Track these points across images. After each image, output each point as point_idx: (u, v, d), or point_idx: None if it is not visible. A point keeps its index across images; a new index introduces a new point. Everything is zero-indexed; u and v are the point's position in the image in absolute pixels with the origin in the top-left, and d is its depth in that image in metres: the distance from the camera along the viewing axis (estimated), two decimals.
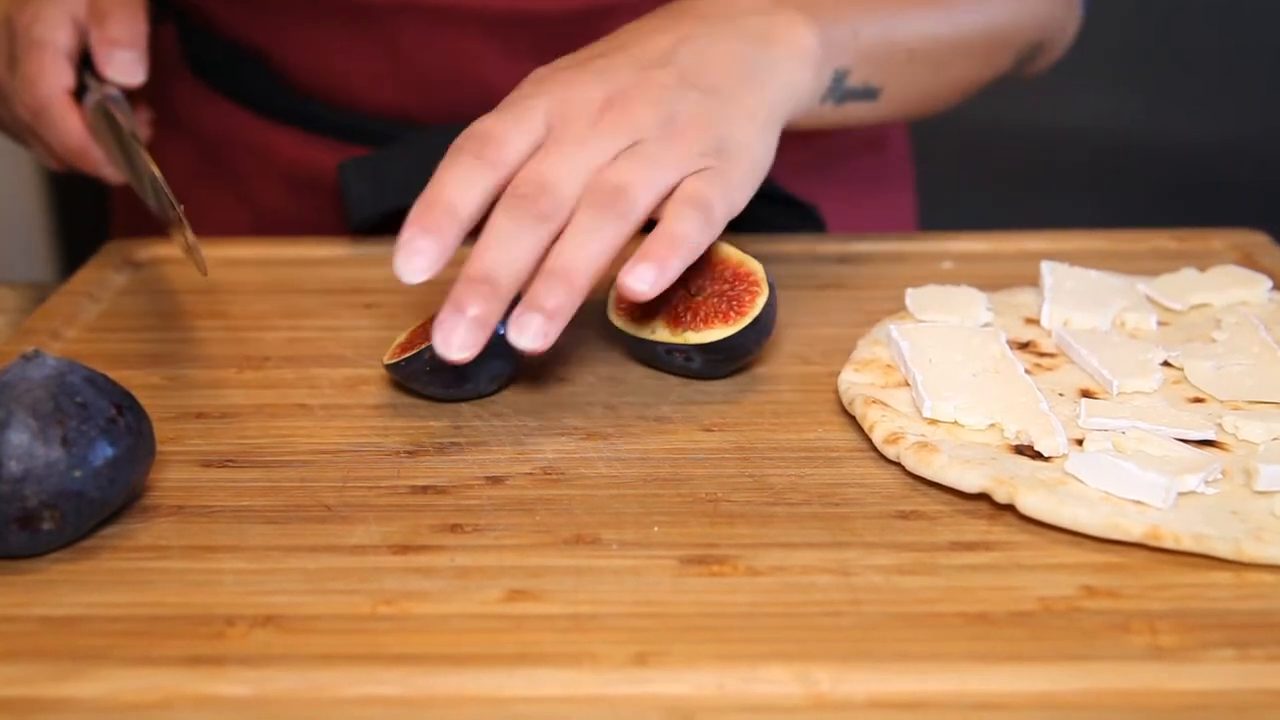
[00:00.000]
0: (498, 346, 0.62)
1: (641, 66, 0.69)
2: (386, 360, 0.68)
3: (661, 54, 0.70)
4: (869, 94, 0.82)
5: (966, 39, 0.86)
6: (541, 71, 0.71)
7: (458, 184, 0.64)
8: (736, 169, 0.68)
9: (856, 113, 0.82)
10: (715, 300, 0.69)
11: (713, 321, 0.68)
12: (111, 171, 0.84)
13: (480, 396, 0.69)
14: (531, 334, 0.61)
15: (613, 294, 0.72)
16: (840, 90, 0.79)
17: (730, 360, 0.70)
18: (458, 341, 0.61)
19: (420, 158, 0.90)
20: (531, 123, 0.67)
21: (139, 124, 0.88)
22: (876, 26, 0.80)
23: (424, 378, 0.67)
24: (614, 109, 0.67)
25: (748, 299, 0.68)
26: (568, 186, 0.65)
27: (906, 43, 0.82)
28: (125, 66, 0.83)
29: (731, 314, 0.68)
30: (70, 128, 0.82)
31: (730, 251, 0.70)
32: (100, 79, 0.83)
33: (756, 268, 0.69)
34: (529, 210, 0.63)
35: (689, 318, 0.69)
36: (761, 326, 0.68)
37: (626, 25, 0.74)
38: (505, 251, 0.63)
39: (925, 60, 0.84)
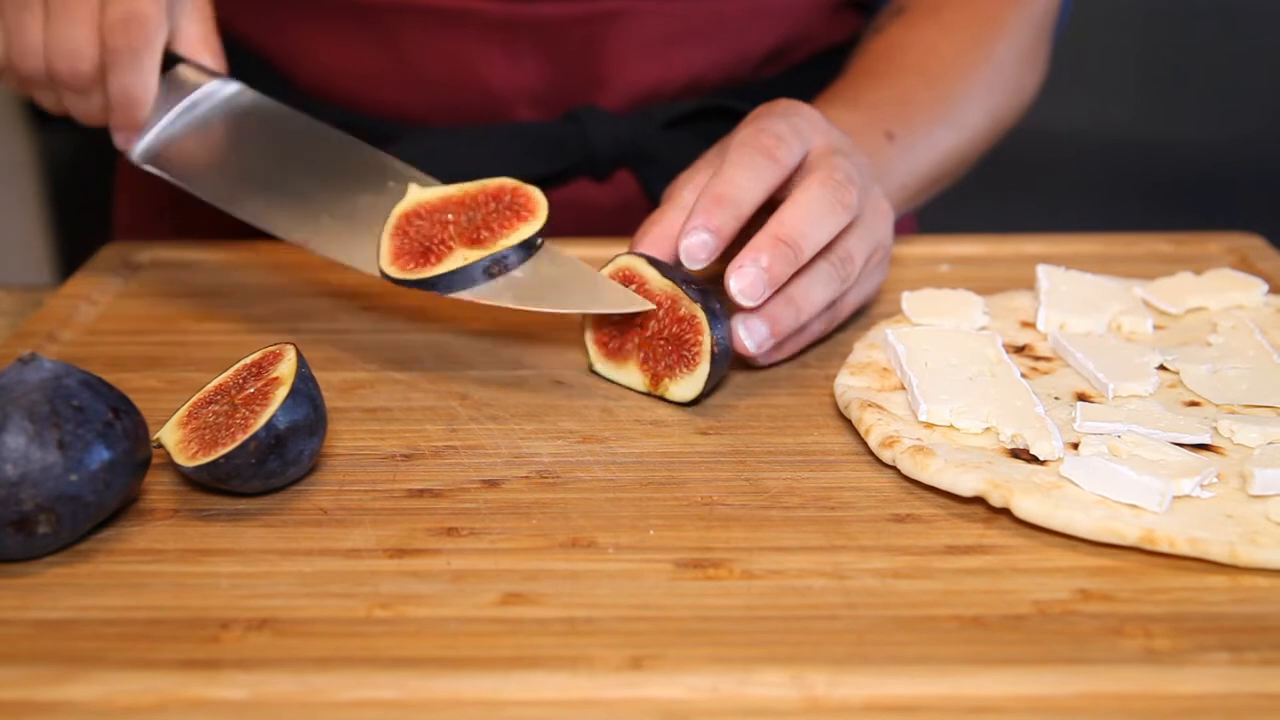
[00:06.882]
0: (316, 425, 0.61)
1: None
2: (188, 463, 0.60)
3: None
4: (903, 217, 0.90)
5: (976, 140, 0.92)
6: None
7: (746, 182, 0.69)
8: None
9: None
10: (670, 348, 0.69)
11: (680, 373, 0.68)
12: (126, 140, 0.79)
13: (297, 481, 0.62)
14: (756, 342, 0.69)
15: (589, 340, 0.72)
16: None
17: (707, 396, 0.70)
18: (753, 290, 0.67)
19: (419, 159, 0.90)
20: (804, 137, 0.71)
21: None
22: (918, 166, 0.87)
23: (247, 471, 0.59)
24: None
25: (691, 337, 0.68)
26: (859, 194, 0.71)
27: (935, 172, 0.89)
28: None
29: (690, 362, 0.68)
30: (149, 78, 0.76)
31: (666, 285, 0.69)
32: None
33: (697, 310, 0.68)
34: (841, 198, 0.69)
35: (661, 367, 0.69)
36: (718, 370, 0.68)
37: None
38: (816, 226, 0.68)
39: (947, 177, 0.92)
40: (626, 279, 0.70)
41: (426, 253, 0.70)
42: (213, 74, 0.80)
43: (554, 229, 0.94)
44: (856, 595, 0.54)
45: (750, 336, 0.69)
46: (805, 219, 0.68)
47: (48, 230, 1.99)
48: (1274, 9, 1.83)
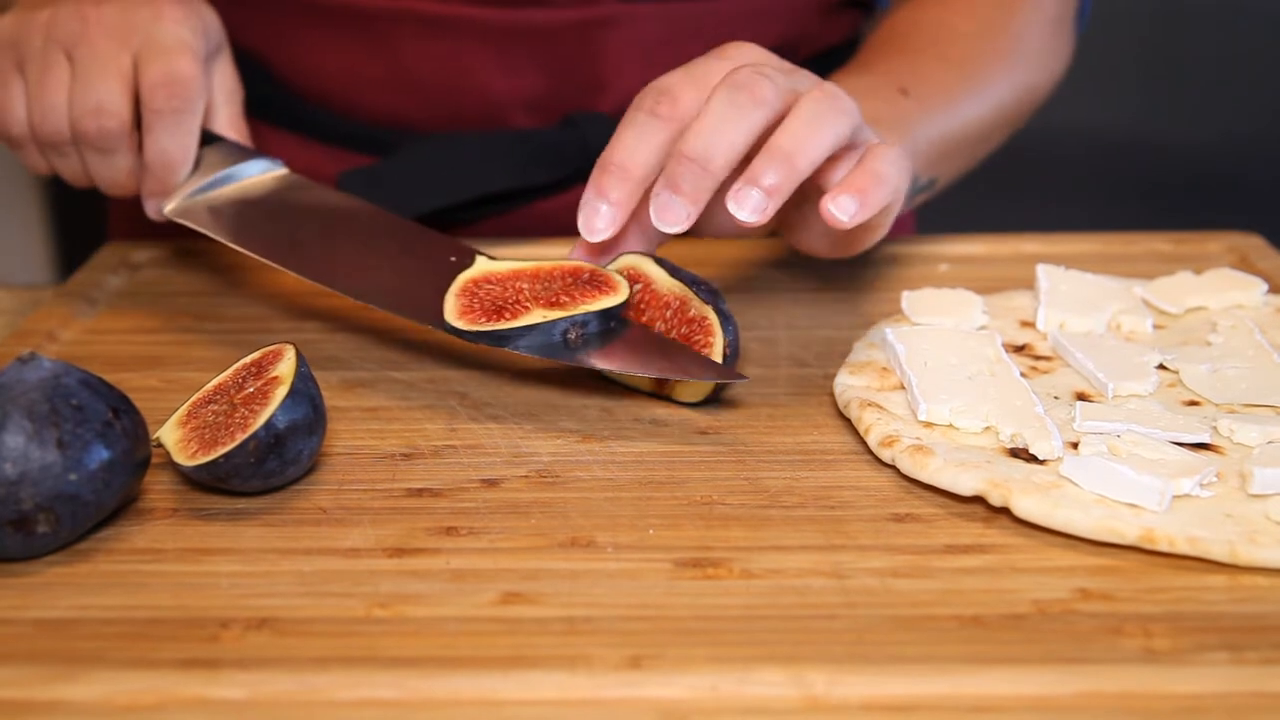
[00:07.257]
0: (316, 424, 0.61)
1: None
2: (187, 462, 0.60)
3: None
4: (928, 186, 0.87)
5: (1001, 112, 0.91)
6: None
7: (633, 143, 0.66)
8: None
9: (914, 202, 0.87)
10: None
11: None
12: (157, 206, 0.79)
13: (296, 480, 0.62)
14: (750, 209, 0.64)
15: None
16: (911, 190, 0.82)
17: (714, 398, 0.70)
18: (671, 217, 0.64)
19: (419, 168, 0.91)
20: (707, 81, 0.67)
21: None
22: (937, 128, 0.84)
23: (246, 471, 0.59)
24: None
25: (701, 338, 0.67)
26: (783, 82, 0.66)
27: (956, 135, 0.87)
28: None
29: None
30: (190, 140, 0.76)
31: (675, 286, 0.69)
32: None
33: (708, 313, 0.68)
34: (750, 95, 0.65)
35: None
36: (729, 368, 0.68)
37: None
38: (722, 132, 0.64)
39: (970, 145, 0.89)
40: (632, 278, 0.70)
41: (500, 310, 0.67)
42: (251, 152, 0.80)
43: (557, 233, 0.94)
44: (856, 595, 0.54)
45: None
46: (709, 128, 0.64)
47: (48, 230, 1.99)
48: (1274, 9, 1.83)
